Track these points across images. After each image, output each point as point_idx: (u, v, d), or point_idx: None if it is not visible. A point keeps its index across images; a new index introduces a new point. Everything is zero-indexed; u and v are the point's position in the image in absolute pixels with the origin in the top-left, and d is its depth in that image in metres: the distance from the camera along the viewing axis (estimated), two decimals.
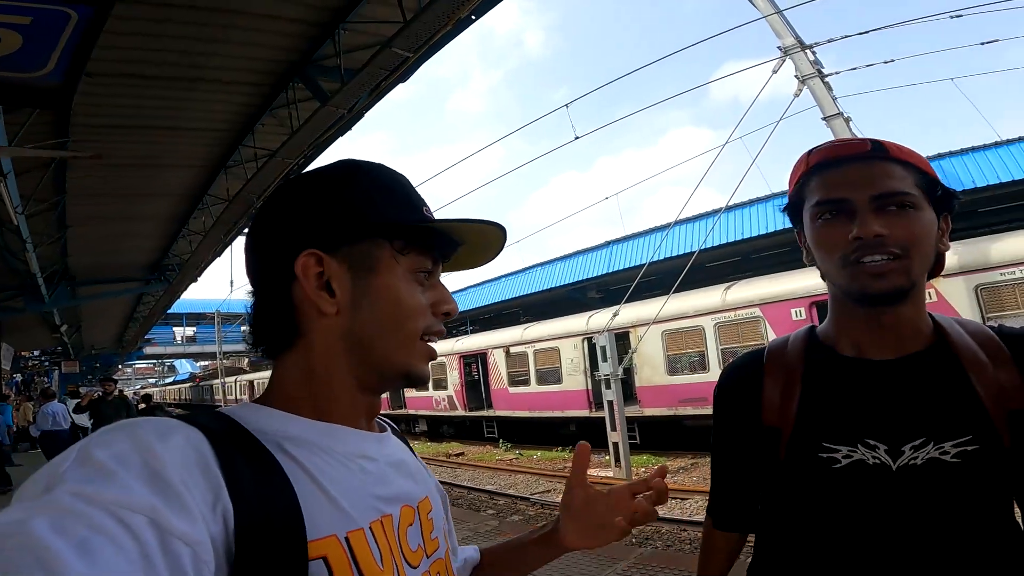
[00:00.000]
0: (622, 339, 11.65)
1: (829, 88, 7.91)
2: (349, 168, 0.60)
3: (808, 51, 7.87)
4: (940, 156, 11.20)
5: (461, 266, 0.68)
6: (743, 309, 10.01)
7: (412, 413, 18.48)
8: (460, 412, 16.35)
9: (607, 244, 16.63)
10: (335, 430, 0.56)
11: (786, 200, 0.85)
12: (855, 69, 8.27)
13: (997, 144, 10.73)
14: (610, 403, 10.50)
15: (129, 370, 56.12)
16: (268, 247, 0.58)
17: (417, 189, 0.63)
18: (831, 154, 0.77)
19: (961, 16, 7.19)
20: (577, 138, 9.84)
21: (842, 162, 0.76)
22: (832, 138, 7.83)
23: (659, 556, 4.21)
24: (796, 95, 7.98)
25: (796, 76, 8.00)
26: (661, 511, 0.92)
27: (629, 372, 11.54)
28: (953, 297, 8.08)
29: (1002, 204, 11.07)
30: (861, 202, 0.73)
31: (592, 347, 11.06)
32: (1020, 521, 0.77)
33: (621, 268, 15.36)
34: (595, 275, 16.50)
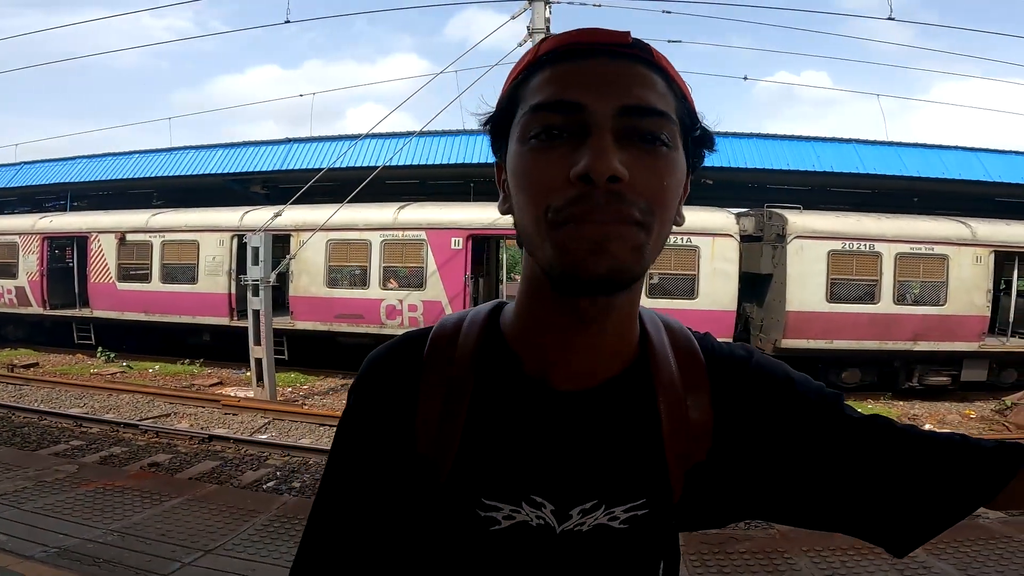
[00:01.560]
0: (281, 242, 10.50)
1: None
2: None
3: (548, 5, 8.18)
4: None
5: None
6: (411, 231, 10.23)
7: None
8: (35, 309, 12.32)
9: (287, 141, 14.77)
10: None
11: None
12: (572, 3, 9.03)
13: None
14: (256, 312, 9.38)
15: None
16: None
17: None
18: (573, 39, 0.51)
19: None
20: (288, 22, 8.83)
21: (586, 53, 0.51)
22: None
23: (308, 507, 3.71)
24: (520, 44, 8.30)
25: (528, 27, 8.37)
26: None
27: (283, 279, 10.52)
28: None
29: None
30: (602, 115, 0.48)
31: (243, 246, 9.54)
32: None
33: (297, 167, 13.80)
34: (265, 169, 14.42)
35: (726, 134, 13.54)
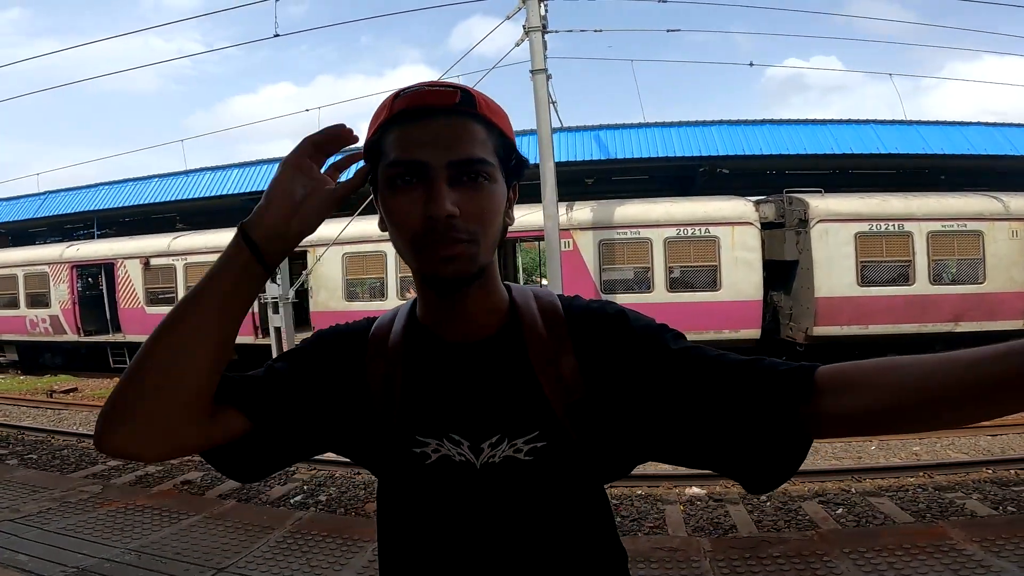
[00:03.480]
0: (299, 258, 10.59)
1: (545, 45, 8.33)
2: None
3: (542, 3, 8.08)
4: (601, 127, 13.49)
5: None
6: None
7: None
8: (70, 336, 12.65)
9: None
10: None
11: None
12: (572, 31, 8.99)
13: (648, 125, 13.41)
14: (277, 329, 9.47)
15: None
16: None
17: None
18: (416, 101, 0.68)
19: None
20: (277, 36, 9.04)
21: (424, 114, 0.68)
22: (533, 91, 8.54)
23: (322, 522, 3.62)
24: (517, 44, 8.24)
25: (524, 26, 8.27)
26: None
27: (305, 296, 10.60)
28: (585, 248, 9.87)
29: (635, 176, 14.28)
30: (437, 168, 0.66)
31: None
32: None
33: None
34: None
35: (738, 122, 13.25)
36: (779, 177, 13.38)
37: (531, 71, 8.23)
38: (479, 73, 9.70)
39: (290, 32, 9.63)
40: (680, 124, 13.41)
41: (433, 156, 0.66)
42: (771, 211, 10.04)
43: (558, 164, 12.61)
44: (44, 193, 17.34)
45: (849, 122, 13.18)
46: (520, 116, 12.53)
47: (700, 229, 9.67)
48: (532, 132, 8.41)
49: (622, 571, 0.78)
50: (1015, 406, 0.54)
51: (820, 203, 9.45)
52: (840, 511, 4.40)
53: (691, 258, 9.83)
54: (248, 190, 14.64)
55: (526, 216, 9.80)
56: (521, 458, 0.71)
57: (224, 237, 11.51)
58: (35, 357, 13.76)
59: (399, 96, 0.69)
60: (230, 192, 14.89)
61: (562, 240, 9.34)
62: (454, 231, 0.66)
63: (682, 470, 5.65)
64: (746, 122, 13.24)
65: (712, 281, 9.68)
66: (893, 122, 13.10)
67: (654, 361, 0.70)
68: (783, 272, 10.10)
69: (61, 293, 12.65)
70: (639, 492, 5.23)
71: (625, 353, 0.72)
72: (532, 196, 8.53)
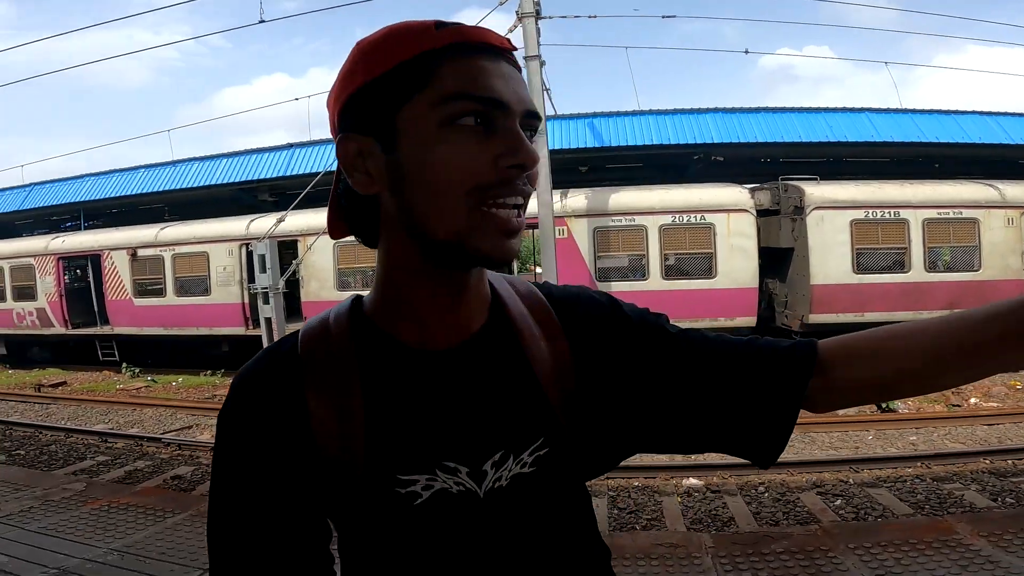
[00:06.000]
0: (290, 248, 10.44)
1: (538, 31, 8.20)
2: None
3: None
4: (595, 115, 13.34)
5: None
6: None
7: None
8: (58, 329, 12.46)
9: (290, 146, 14.69)
10: None
11: None
12: (566, 17, 8.79)
13: (643, 112, 13.25)
14: (268, 320, 9.33)
15: None
16: None
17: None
18: (477, 36, 0.56)
19: None
20: (262, 21, 8.80)
21: (493, 54, 0.56)
22: (526, 79, 8.37)
23: None
24: (510, 30, 8.08)
25: (516, 12, 8.12)
26: None
27: (295, 285, 10.46)
28: (580, 236, 9.78)
29: (630, 163, 14.09)
30: (517, 112, 0.55)
31: (251, 255, 9.47)
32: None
33: (302, 172, 13.73)
34: (270, 176, 14.38)
35: (733, 110, 13.13)
36: (773, 165, 13.31)
37: (524, 57, 8.09)
38: None
39: (275, 18, 9.42)
40: (675, 112, 13.28)
41: (514, 100, 0.56)
42: (766, 198, 9.97)
43: (552, 152, 12.42)
44: (29, 185, 17.00)
45: (844, 110, 13.09)
46: None
47: (695, 216, 9.58)
48: None
49: (606, 569, 0.72)
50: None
51: (816, 190, 9.38)
52: (839, 502, 4.37)
53: (686, 245, 9.76)
54: (238, 180, 14.42)
55: None
56: (527, 472, 0.61)
57: (213, 227, 11.39)
58: (23, 351, 13.57)
59: (442, 27, 0.56)
60: (219, 182, 14.66)
61: (557, 228, 9.25)
62: (525, 186, 0.56)
63: (679, 460, 5.62)
64: (741, 110, 13.12)
65: (708, 268, 9.61)
66: (888, 110, 13.03)
67: (652, 343, 0.66)
68: (778, 260, 10.05)
69: (48, 285, 12.44)
70: (636, 484, 5.18)
71: (620, 337, 0.67)
72: None
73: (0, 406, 9.65)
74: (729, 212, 9.51)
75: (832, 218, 9.17)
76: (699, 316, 9.11)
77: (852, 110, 13.07)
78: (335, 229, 0.66)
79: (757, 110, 13.17)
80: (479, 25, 0.59)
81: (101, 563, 3.04)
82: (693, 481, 5.21)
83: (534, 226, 9.34)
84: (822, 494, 4.55)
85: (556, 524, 0.66)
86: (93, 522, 3.59)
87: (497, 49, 0.57)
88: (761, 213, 9.76)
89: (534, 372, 0.63)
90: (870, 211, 9.22)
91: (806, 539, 2.65)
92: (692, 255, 9.75)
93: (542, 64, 8.14)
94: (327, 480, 0.59)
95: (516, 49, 0.60)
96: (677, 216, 9.67)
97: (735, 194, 9.69)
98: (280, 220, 9.03)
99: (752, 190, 9.95)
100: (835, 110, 13.10)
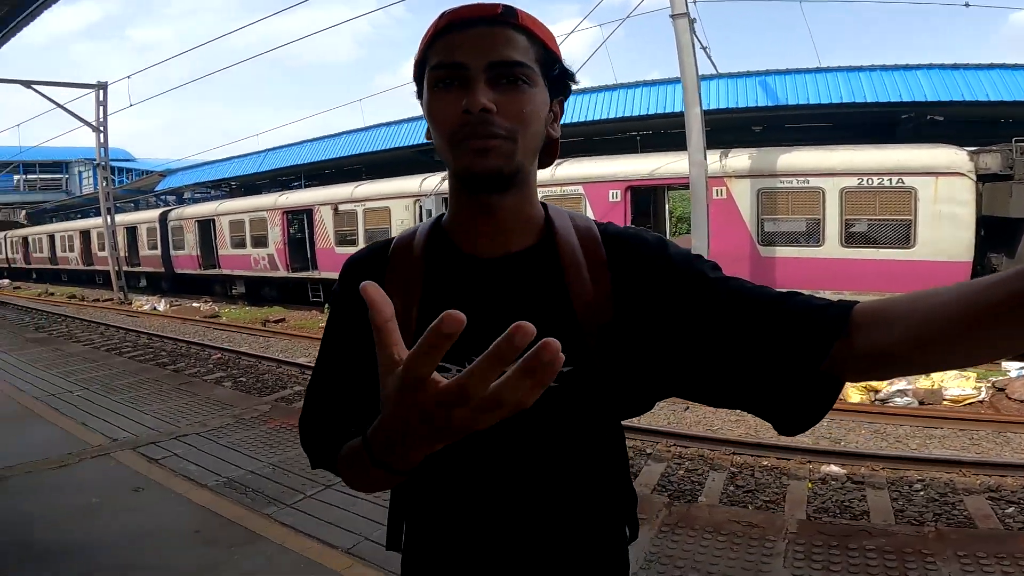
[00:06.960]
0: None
1: None
2: None
3: None
4: (767, 73, 11.98)
5: None
6: (568, 186, 10.24)
7: (227, 273, 16.88)
8: (282, 273, 15.27)
9: None
10: None
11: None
12: None
13: (819, 70, 11.71)
14: None
15: None
16: None
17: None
18: (457, 16, 0.71)
19: None
20: None
21: (467, 24, 0.70)
22: (674, 38, 7.90)
23: None
24: None
25: None
26: None
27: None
28: (741, 197, 8.99)
29: (813, 123, 12.49)
30: (476, 69, 0.68)
31: (421, 208, 10.54)
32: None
33: None
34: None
35: (955, 66, 10.64)
36: (1011, 126, 10.55)
37: (672, 15, 7.54)
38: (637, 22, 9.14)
39: None
40: (871, 68, 11.23)
41: (473, 58, 0.67)
42: (994, 161, 8.01)
43: (716, 111, 11.42)
44: (263, 151, 20.76)
45: None
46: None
47: (890, 179, 8.13)
48: (677, 80, 7.78)
49: (630, 514, 0.78)
50: None
51: None
52: (1011, 510, 3.62)
53: (876, 211, 8.38)
54: (416, 143, 15.88)
55: (677, 163, 9.21)
56: (551, 383, 0.65)
57: (393, 185, 12.82)
58: (257, 290, 16.87)
59: (444, 14, 0.72)
60: (401, 145, 16.33)
61: (715, 188, 8.60)
62: (491, 125, 0.66)
63: (822, 444, 5.12)
64: (965, 66, 10.60)
65: (904, 237, 8.19)
66: None
67: (690, 288, 0.69)
68: (1008, 231, 8.11)
69: (275, 235, 15.25)
70: (765, 463, 4.86)
71: (661, 278, 0.71)
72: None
73: (235, 337, 11.30)
74: (938, 175, 7.91)
75: None
76: (889, 291, 7.87)
77: None
78: None
79: (989, 66, 10.52)
80: (474, 3, 0.71)
81: (258, 475, 3.55)
82: (834, 468, 4.71)
83: (686, 186, 8.84)
84: (994, 499, 3.81)
85: (577, 449, 0.72)
86: (265, 439, 4.19)
87: (477, 20, 0.69)
88: (987, 178, 7.95)
89: (570, 296, 0.71)
90: None
91: (909, 540, 2.31)
92: (883, 221, 8.36)
93: (692, 22, 7.51)
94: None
95: (498, 11, 0.69)
96: (865, 179, 8.33)
97: (947, 155, 8.00)
98: (444, 179, 9.84)
99: (974, 152, 8.12)
100: None
